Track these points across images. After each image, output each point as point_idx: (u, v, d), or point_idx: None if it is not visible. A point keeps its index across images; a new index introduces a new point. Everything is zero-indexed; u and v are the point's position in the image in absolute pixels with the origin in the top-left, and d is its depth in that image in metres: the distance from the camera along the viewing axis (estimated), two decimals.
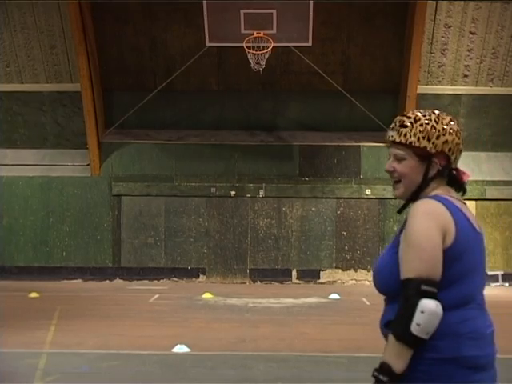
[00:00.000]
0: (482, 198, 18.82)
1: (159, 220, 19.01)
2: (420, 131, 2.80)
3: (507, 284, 18.59)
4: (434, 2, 17.59)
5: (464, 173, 2.92)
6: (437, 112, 2.87)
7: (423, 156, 2.81)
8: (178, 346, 9.23)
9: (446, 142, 2.81)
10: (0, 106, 19.07)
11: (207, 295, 15.61)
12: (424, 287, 2.63)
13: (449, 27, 17.95)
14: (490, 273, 18.71)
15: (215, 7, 16.37)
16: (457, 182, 2.91)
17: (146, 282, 18.53)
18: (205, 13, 16.38)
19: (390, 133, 2.87)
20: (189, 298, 15.31)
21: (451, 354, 2.69)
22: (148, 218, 19.00)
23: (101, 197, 18.99)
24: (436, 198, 2.80)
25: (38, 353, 8.77)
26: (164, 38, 18.75)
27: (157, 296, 15.69)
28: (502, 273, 18.68)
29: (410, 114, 2.86)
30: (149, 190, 18.98)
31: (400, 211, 2.99)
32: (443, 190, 2.86)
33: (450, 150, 2.83)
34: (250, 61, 16.49)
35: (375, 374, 2.67)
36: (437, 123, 2.82)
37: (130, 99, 18.86)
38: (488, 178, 18.92)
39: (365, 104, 18.62)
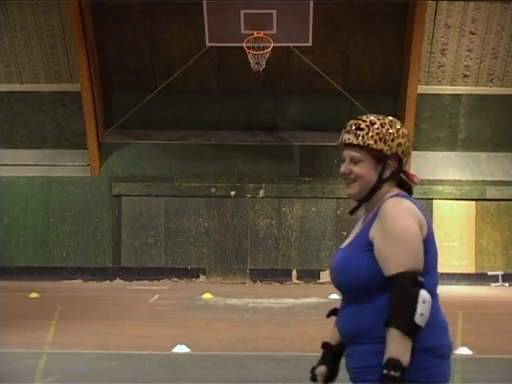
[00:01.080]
0: (481, 198, 18.81)
1: (159, 220, 19.01)
2: (377, 134, 2.88)
3: (507, 284, 18.58)
4: (434, 2, 17.59)
5: (413, 175, 2.99)
6: (389, 117, 2.96)
7: (379, 158, 2.90)
8: (178, 346, 9.23)
9: (399, 144, 2.90)
10: (0, 106, 19.08)
11: (207, 295, 15.61)
12: (420, 278, 2.72)
13: (449, 27, 17.95)
14: (489, 273, 18.72)
15: (215, 7, 16.37)
16: (405, 184, 2.97)
17: (146, 282, 18.53)
18: (205, 13, 16.38)
19: (346, 136, 2.93)
20: (189, 298, 15.31)
21: (430, 344, 2.77)
22: (148, 218, 19.00)
23: (101, 197, 18.99)
24: (403, 196, 2.89)
25: (37, 353, 8.76)
26: (164, 38, 18.75)
27: (157, 296, 15.69)
28: (502, 273, 18.67)
29: (364, 118, 2.94)
30: (149, 190, 18.97)
31: (352, 212, 3.10)
32: (399, 191, 2.94)
33: (402, 152, 2.92)
34: (250, 61, 16.49)
35: (385, 371, 2.65)
36: (391, 127, 2.91)
37: (130, 99, 18.86)
38: (488, 178, 18.92)
39: (365, 104, 18.58)
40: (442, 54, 18.29)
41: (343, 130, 2.96)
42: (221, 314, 12.91)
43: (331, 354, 3.05)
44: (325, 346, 3.10)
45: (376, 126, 2.89)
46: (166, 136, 19.22)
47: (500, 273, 18.68)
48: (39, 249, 18.90)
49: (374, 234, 2.83)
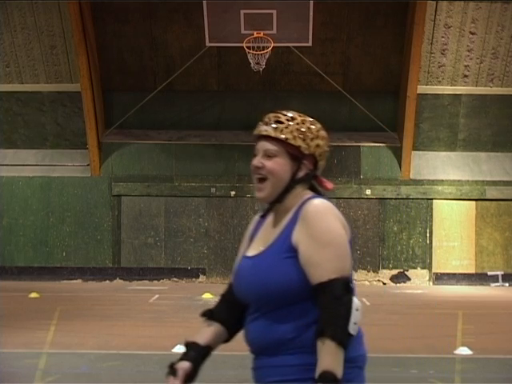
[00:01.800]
0: (482, 198, 18.82)
1: (159, 220, 19.01)
2: (296, 129, 2.69)
3: (507, 284, 18.58)
4: (434, 2, 17.59)
5: (326, 181, 2.80)
6: (310, 118, 2.79)
7: (294, 156, 2.69)
8: (178, 346, 9.21)
9: (318, 145, 2.72)
10: (0, 106, 19.08)
11: (207, 295, 15.60)
12: (352, 285, 2.55)
13: (449, 27, 17.95)
14: (489, 273, 18.72)
15: (215, 7, 16.38)
16: (316, 190, 2.77)
17: (146, 282, 18.53)
18: (205, 13, 16.39)
19: (264, 127, 2.71)
20: (189, 298, 15.31)
21: (351, 354, 2.58)
22: (148, 218, 19.00)
23: (101, 197, 18.99)
24: (322, 197, 2.71)
25: (37, 353, 8.76)
26: (164, 38, 18.75)
27: (157, 296, 15.69)
28: (502, 273, 18.67)
29: (285, 112, 2.74)
30: (149, 190, 18.97)
31: (264, 215, 2.84)
32: (314, 194, 2.74)
33: (320, 155, 2.73)
34: (250, 61, 16.50)
35: None
36: (312, 125, 2.73)
37: (130, 99, 18.87)
38: (488, 178, 18.92)
39: (365, 104, 18.61)
40: (442, 53, 18.29)
41: (260, 122, 2.74)
42: None
43: (196, 354, 2.79)
44: (191, 344, 2.82)
45: (296, 122, 2.70)
46: (166, 136, 19.23)
47: (500, 273, 18.68)
48: (39, 249, 18.90)
49: (299, 238, 2.60)
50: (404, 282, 18.74)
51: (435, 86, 18.65)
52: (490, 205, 18.93)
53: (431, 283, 18.76)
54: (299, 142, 2.68)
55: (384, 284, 18.78)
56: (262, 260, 2.65)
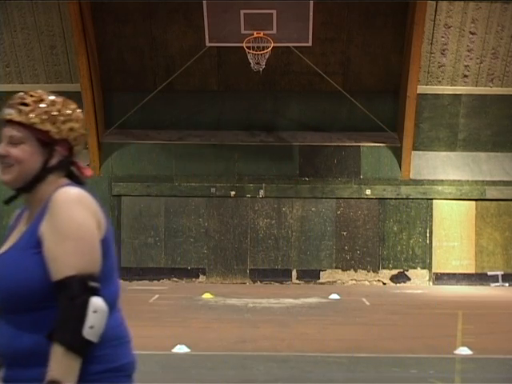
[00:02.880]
0: (481, 198, 18.82)
1: (159, 220, 19.01)
2: (45, 112, 2.47)
3: (507, 284, 18.58)
4: (434, 2, 17.59)
5: (85, 168, 2.57)
6: (63, 97, 2.61)
7: (44, 142, 2.46)
8: (178, 346, 9.22)
9: (71, 129, 2.52)
10: (0, 106, 19.05)
11: (207, 295, 15.61)
12: (92, 283, 2.31)
13: (449, 27, 17.95)
14: (489, 273, 18.73)
15: (215, 7, 16.38)
16: (75, 177, 2.55)
17: (146, 282, 18.52)
18: (205, 13, 16.39)
19: (8, 110, 2.48)
20: (189, 298, 15.31)
21: (116, 363, 2.43)
22: (148, 218, 19.00)
23: (101, 197, 18.87)
24: (78, 186, 2.50)
25: None
26: (164, 38, 18.75)
27: (157, 296, 15.69)
28: (502, 273, 18.67)
29: (33, 93, 2.52)
30: (149, 190, 18.97)
31: (8, 202, 2.66)
32: (70, 182, 2.52)
33: (75, 139, 2.53)
34: (250, 61, 16.50)
35: None
36: (64, 107, 2.55)
37: (130, 99, 18.86)
38: (488, 178, 18.92)
39: (365, 104, 18.61)
40: (442, 53, 18.29)
41: (6, 105, 2.52)
42: (221, 314, 12.91)
43: None
44: None
45: (45, 104, 2.49)
46: (166, 136, 19.22)
47: (500, 273, 18.68)
48: None
49: (44, 231, 2.38)
50: (404, 282, 18.74)
51: (435, 86, 18.65)
52: (490, 205, 18.93)
53: (431, 283, 18.76)
54: (48, 127, 2.47)
55: (384, 284, 18.78)
56: (8, 256, 2.43)
